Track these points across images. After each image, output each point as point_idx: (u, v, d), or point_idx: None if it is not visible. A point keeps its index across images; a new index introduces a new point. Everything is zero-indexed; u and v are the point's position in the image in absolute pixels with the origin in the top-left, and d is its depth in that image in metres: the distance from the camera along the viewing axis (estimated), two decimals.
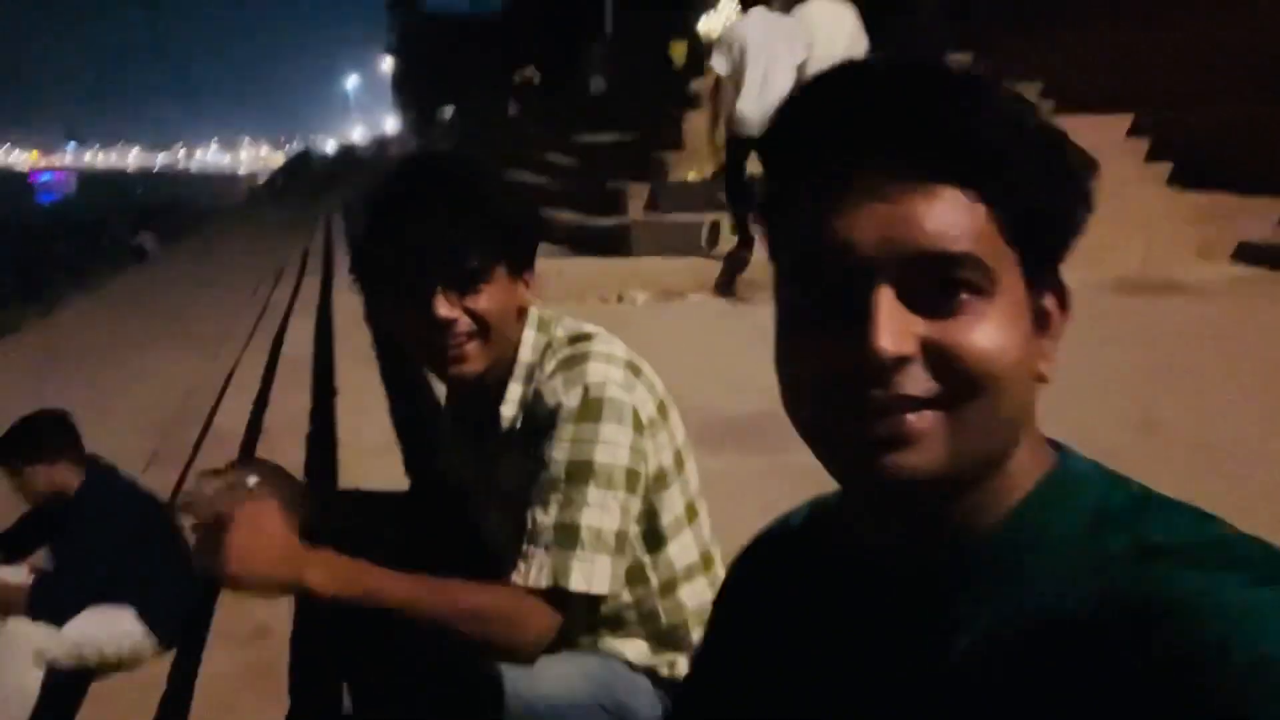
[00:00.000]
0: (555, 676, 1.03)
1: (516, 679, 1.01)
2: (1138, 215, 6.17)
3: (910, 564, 0.53)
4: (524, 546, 1.03)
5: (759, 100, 5.00)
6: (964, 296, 0.48)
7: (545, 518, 1.02)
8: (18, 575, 2.70)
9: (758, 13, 5.23)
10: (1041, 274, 0.51)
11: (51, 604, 2.59)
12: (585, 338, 1.12)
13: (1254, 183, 6.16)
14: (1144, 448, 2.62)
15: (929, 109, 0.48)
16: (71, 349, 8.64)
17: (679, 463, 1.13)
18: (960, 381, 0.47)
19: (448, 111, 28.88)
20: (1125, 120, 7.41)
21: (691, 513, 1.16)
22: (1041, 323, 0.52)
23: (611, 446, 1.03)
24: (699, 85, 9.67)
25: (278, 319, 7.69)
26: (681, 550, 1.15)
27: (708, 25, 19.17)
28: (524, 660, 1.01)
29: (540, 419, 1.06)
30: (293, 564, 0.97)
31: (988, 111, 0.48)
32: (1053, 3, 9.77)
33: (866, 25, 5.54)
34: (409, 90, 46.89)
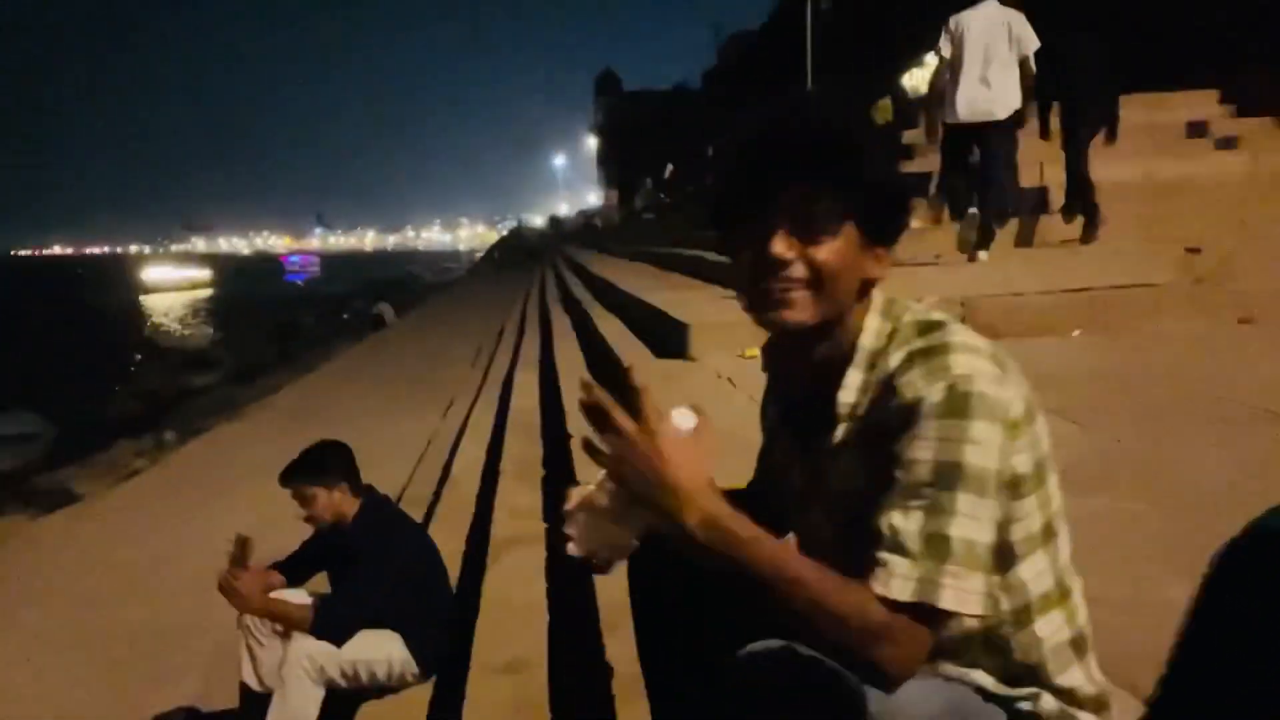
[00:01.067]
0: (915, 702, 0.91)
1: (878, 702, 0.90)
2: None
3: None
4: (879, 554, 0.91)
5: (969, 89, 5.17)
6: None
7: (909, 524, 0.91)
8: (301, 597, 2.91)
9: (988, 4, 5.34)
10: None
11: (333, 625, 2.76)
12: (938, 326, 1.01)
13: None
14: None
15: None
16: (321, 408, 9.49)
17: (1040, 473, 1.00)
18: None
19: (650, 182, 29.92)
20: None
21: (1049, 533, 1.02)
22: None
23: (982, 447, 0.91)
24: (912, 136, 9.48)
25: (502, 375, 8.11)
26: (1035, 574, 1.01)
27: (913, 81, 18.87)
28: (889, 680, 0.89)
29: (893, 414, 0.96)
30: (710, 497, 0.92)
31: None
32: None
33: None
34: (611, 165, 49.00)
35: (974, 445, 0.91)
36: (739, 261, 1.04)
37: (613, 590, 2.20)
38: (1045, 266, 5.91)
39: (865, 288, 1.04)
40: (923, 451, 0.92)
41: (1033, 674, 1.02)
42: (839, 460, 1.04)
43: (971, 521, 0.90)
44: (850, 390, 1.03)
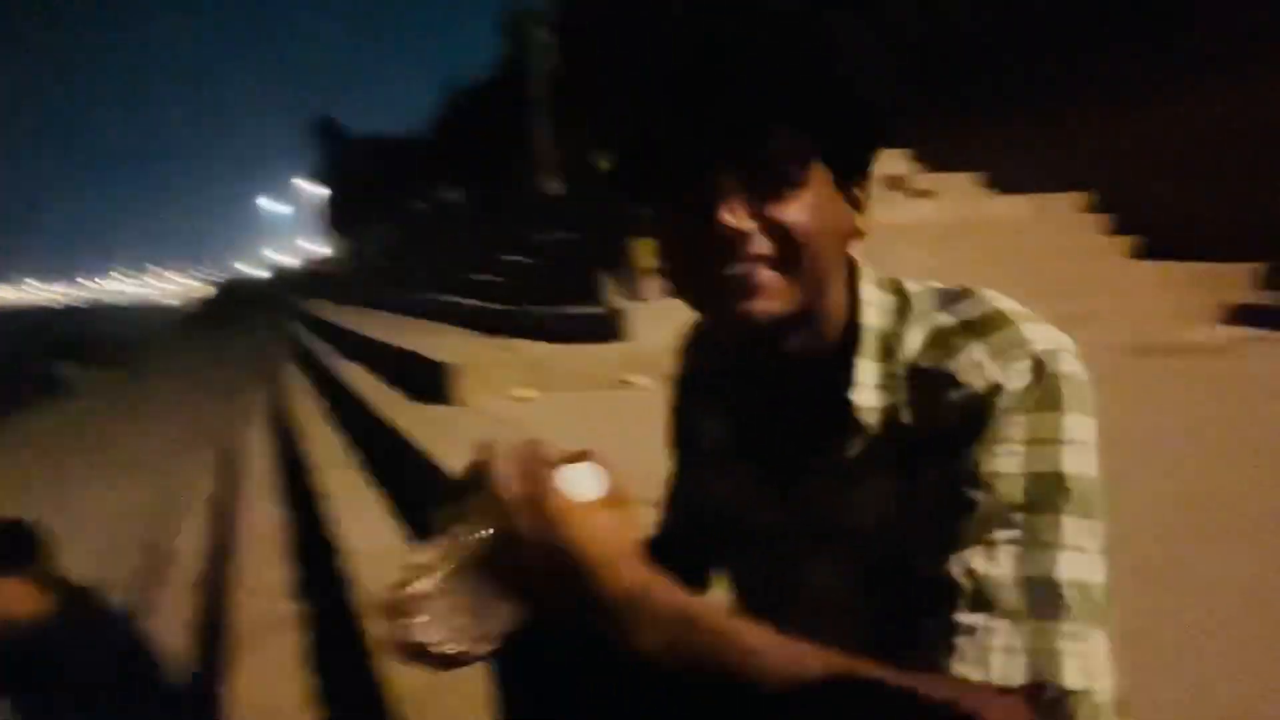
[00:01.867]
0: None
1: None
2: (1111, 285, 6.30)
3: None
4: (960, 617, 0.64)
5: None
6: None
7: (999, 568, 0.64)
8: None
9: None
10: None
11: None
12: (968, 294, 0.75)
13: (1221, 251, 6.38)
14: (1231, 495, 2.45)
15: None
16: (3, 483, 7.95)
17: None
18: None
19: (382, 228, 28.87)
20: (1082, 199, 7.78)
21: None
22: None
23: (1083, 449, 0.67)
24: None
25: (227, 434, 7.21)
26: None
27: None
28: None
29: (951, 411, 0.69)
30: (636, 566, 0.64)
31: None
32: (991, 95, 10.39)
33: None
34: (340, 212, 47.13)
35: (1075, 446, 0.67)
36: (670, 243, 0.74)
37: (409, 679, 1.83)
38: None
39: (845, 245, 0.77)
40: (1008, 461, 0.66)
41: None
42: (859, 486, 0.75)
43: (1084, 557, 0.65)
44: (867, 389, 0.75)
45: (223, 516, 4.65)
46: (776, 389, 0.82)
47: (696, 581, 0.97)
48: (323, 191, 52.87)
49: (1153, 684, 1.47)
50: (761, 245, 0.71)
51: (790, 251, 0.71)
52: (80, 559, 4.67)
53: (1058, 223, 7.58)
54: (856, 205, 0.77)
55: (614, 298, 5.88)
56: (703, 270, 0.72)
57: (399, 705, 1.83)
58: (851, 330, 0.77)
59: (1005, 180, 8.54)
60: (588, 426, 3.60)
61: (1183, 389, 4.08)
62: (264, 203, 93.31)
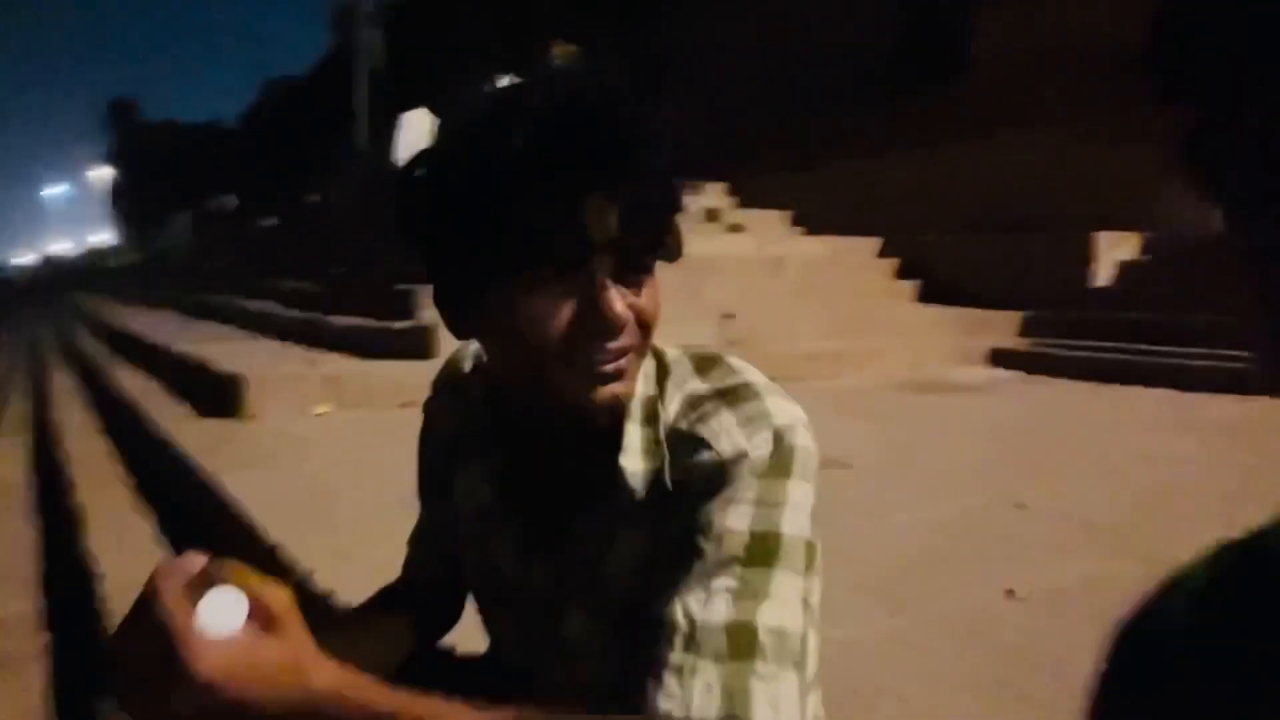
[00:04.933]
0: None
1: None
2: (896, 325, 6.83)
3: None
4: (670, 655, 0.70)
5: None
6: None
7: (709, 614, 0.71)
8: None
9: None
10: None
11: None
12: (718, 361, 0.82)
13: (992, 297, 7.05)
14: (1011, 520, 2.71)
15: None
16: None
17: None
18: None
19: (180, 221, 26.75)
20: (876, 243, 8.38)
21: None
22: None
23: (798, 512, 0.74)
24: None
25: None
26: (814, 654, 0.80)
27: None
28: None
29: (699, 474, 0.75)
30: (299, 672, 0.59)
31: None
32: (800, 138, 11.06)
33: None
34: (129, 201, 43.38)
35: (793, 510, 0.73)
36: (519, 317, 0.73)
37: None
38: None
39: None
40: (738, 520, 0.73)
41: None
42: (618, 542, 0.80)
43: (785, 607, 0.72)
44: (634, 453, 0.79)
45: None
46: (549, 453, 0.84)
47: (443, 624, 1.00)
48: (111, 176, 48.52)
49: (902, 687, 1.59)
50: (632, 334, 0.74)
51: (645, 336, 0.76)
52: None
53: (853, 264, 8.13)
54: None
55: (426, 312, 5.76)
56: (572, 352, 0.73)
57: None
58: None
59: (810, 220, 9.09)
60: (383, 446, 3.49)
61: (946, 423, 4.48)
62: (56, 191, 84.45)
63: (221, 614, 0.59)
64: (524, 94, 0.72)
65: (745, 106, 12.66)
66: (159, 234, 28.58)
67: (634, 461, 0.79)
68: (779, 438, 0.75)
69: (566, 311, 0.72)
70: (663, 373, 0.82)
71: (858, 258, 8.31)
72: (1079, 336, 6.37)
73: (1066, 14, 8.91)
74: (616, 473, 0.79)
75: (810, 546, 0.75)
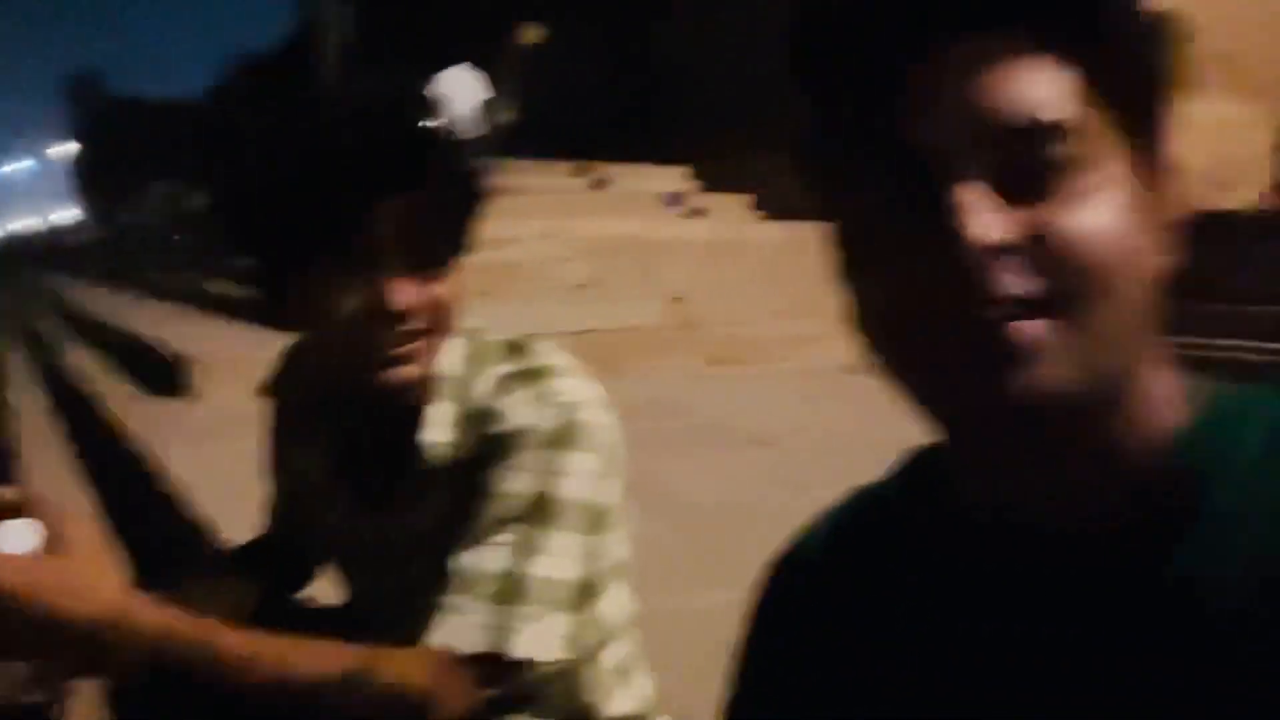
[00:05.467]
0: None
1: None
2: (841, 311, 6.94)
3: (1064, 520, 0.45)
4: (449, 599, 0.81)
5: None
6: (1065, 174, 0.41)
7: (486, 564, 0.82)
8: None
9: None
10: (1147, 146, 0.45)
11: None
12: (528, 346, 0.93)
13: None
14: None
15: None
16: None
17: (624, 501, 0.95)
18: (1072, 274, 0.40)
19: (144, 198, 26.31)
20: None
21: (623, 566, 0.98)
22: (1155, 207, 0.45)
23: (580, 479, 0.85)
24: None
25: None
26: (614, 607, 0.97)
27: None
28: None
29: (493, 445, 0.86)
30: (79, 593, 0.67)
31: None
32: (762, 122, 11.14)
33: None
34: (95, 176, 42.61)
35: (574, 477, 0.84)
36: (321, 308, 0.83)
37: None
38: (553, 311, 6.38)
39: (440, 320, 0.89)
40: (518, 484, 0.83)
41: (590, 708, 0.98)
42: (427, 505, 0.91)
43: (558, 559, 0.83)
44: (439, 428, 0.90)
45: None
46: (369, 427, 0.95)
47: (299, 582, 1.13)
48: (74, 151, 47.64)
49: None
50: (423, 320, 0.84)
51: (441, 323, 0.86)
52: None
53: (811, 249, 8.23)
54: (460, 271, 0.91)
55: None
56: (361, 338, 0.83)
57: None
58: (433, 377, 0.91)
59: (769, 206, 9.20)
60: None
61: (881, 404, 4.61)
62: (9, 164, 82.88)
63: (13, 540, 0.67)
64: (322, 106, 0.83)
65: (711, 89, 12.75)
66: (123, 211, 28.18)
67: (436, 434, 0.89)
68: (565, 414, 0.86)
69: (354, 302, 0.82)
70: (477, 355, 0.92)
71: (812, 244, 8.41)
72: None
73: None
74: (422, 444, 0.90)
75: (595, 510, 0.86)
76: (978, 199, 0.40)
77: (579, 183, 10.89)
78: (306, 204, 0.80)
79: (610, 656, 0.99)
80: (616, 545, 0.95)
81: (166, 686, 0.77)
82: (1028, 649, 0.45)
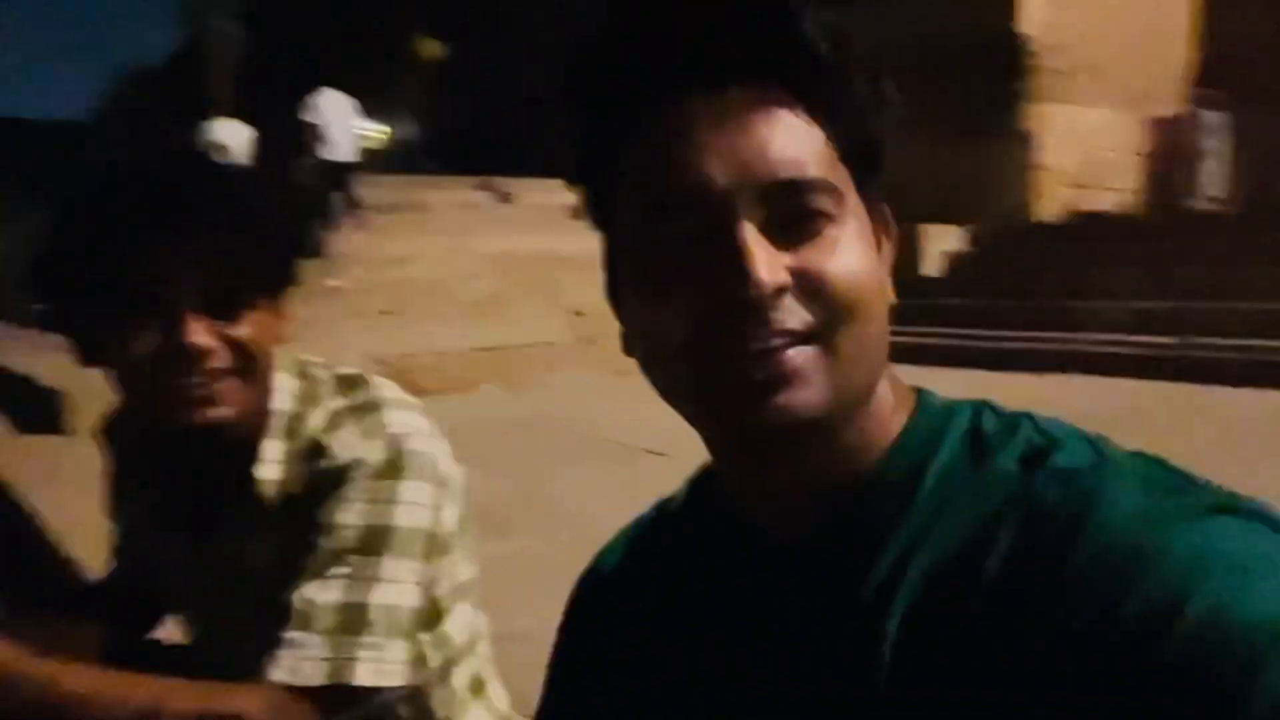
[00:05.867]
0: None
1: None
2: None
3: (803, 525, 0.50)
4: (289, 634, 0.82)
5: None
6: (820, 223, 0.47)
7: (324, 596, 0.83)
8: None
9: None
10: (872, 198, 0.51)
11: None
12: (361, 381, 0.94)
13: None
14: None
15: (759, 17, 0.48)
16: None
17: (465, 525, 0.97)
18: (831, 309, 0.46)
19: (26, 224, 24.95)
20: None
21: (471, 584, 1.01)
22: (884, 251, 0.53)
23: (413, 508, 0.86)
24: None
25: None
26: (459, 626, 0.99)
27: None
28: None
29: (322, 479, 0.87)
30: None
31: (816, 24, 0.48)
32: None
33: None
34: None
35: (406, 506, 0.86)
36: (119, 349, 0.83)
37: None
38: (458, 327, 6.32)
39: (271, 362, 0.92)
40: (350, 515, 0.85)
41: None
42: (260, 542, 0.91)
43: (396, 587, 0.85)
44: (270, 465, 0.90)
45: None
46: (199, 465, 0.94)
47: (146, 621, 1.12)
48: None
49: None
50: (223, 359, 0.84)
51: (246, 364, 0.86)
52: None
53: None
54: (284, 316, 0.92)
55: None
56: (161, 379, 0.83)
57: None
58: (263, 414, 0.91)
59: None
60: None
61: None
62: None
63: None
64: (116, 164, 0.84)
65: None
66: (4, 238, 26.68)
67: (268, 471, 0.90)
68: (394, 445, 0.87)
69: (150, 343, 0.82)
70: (309, 391, 0.93)
71: None
72: (908, 322, 6.79)
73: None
74: (254, 482, 0.90)
75: (431, 536, 0.88)
76: (757, 240, 0.46)
77: (484, 197, 10.83)
78: (91, 246, 0.81)
79: (461, 674, 1.01)
80: (459, 567, 0.97)
81: None
82: (744, 652, 0.51)
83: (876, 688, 0.45)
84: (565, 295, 7.38)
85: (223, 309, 0.84)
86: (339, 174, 8.09)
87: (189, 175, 0.85)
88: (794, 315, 0.46)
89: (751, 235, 0.46)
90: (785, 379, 0.45)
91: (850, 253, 0.47)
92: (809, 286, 0.46)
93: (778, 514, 0.51)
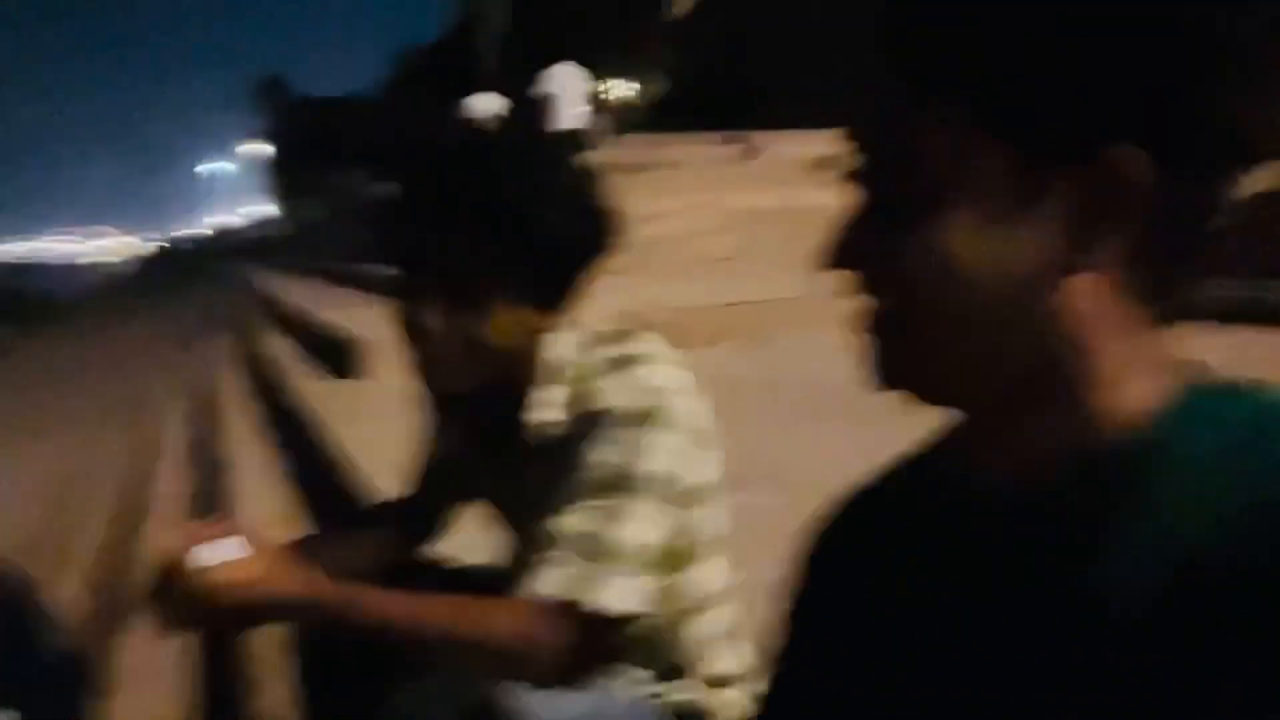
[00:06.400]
0: (552, 709, 0.90)
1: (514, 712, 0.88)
2: None
3: (1025, 496, 0.49)
4: (542, 554, 0.92)
5: None
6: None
7: (574, 525, 0.92)
8: None
9: None
10: None
11: None
12: (628, 335, 1.03)
13: None
14: None
15: None
16: None
17: (721, 482, 1.04)
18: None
19: (331, 184, 28.25)
20: None
21: (722, 540, 1.07)
22: None
23: (666, 455, 0.94)
24: None
25: (144, 399, 7.24)
26: (706, 577, 1.05)
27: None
28: (539, 684, 0.89)
29: (586, 423, 0.97)
30: (270, 580, 0.91)
31: None
32: None
33: None
34: (285, 174, 45.99)
35: (659, 453, 0.93)
36: (398, 313, 1.00)
37: (260, 640, 2.03)
38: (700, 283, 6.43)
39: (535, 339, 1.02)
40: (605, 456, 0.93)
41: (690, 668, 1.07)
42: (535, 476, 1.03)
43: (642, 524, 0.92)
44: (542, 409, 1.01)
45: (136, 485, 4.75)
46: (491, 408, 1.08)
47: (429, 537, 1.30)
48: (266, 152, 51.53)
49: None
50: (449, 346, 0.98)
51: (471, 352, 0.99)
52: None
53: None
54: (547, 316, 1.02)
55: None
56: (410, 347, 1.01)
57: (252, 663, 2.02)
58: (537, 366, 1.03)
59: None
60: None
61: None
62: (206, 165, 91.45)
63: (228, 552, 0.93)
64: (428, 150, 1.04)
65: (863, 47, 12.28)
66: (307, 205, 30.36)
67: (545, 414, 1.01)
68: (653, 397, 0.95)
69: (403, 311, 1.02)
70: (585, 344, 1.03)
71: None
72: None
73: None
74: (527, 425, 1.03)
75: (680, 485, 0.95)
76: None
77: (729, 152, 10.84)
78: (397, 228, 0.98)
79: (708, 622, 1.07)
80: (709, 520, 1.03)
81: (331, 638, 1.05)
82: (969, 611, 0.50)
83: (1099, 659, 0.43)
84: (808, 250, 7.28)
85: (457, 299, 0.97)
86: (573, 143, 8.52)
87: (445, 169, 0.99)
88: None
89: None
90: None
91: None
92: None
93: (1012, 475, 0.50)
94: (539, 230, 0.96)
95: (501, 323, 0.98)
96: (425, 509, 1.27)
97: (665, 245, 7.28)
